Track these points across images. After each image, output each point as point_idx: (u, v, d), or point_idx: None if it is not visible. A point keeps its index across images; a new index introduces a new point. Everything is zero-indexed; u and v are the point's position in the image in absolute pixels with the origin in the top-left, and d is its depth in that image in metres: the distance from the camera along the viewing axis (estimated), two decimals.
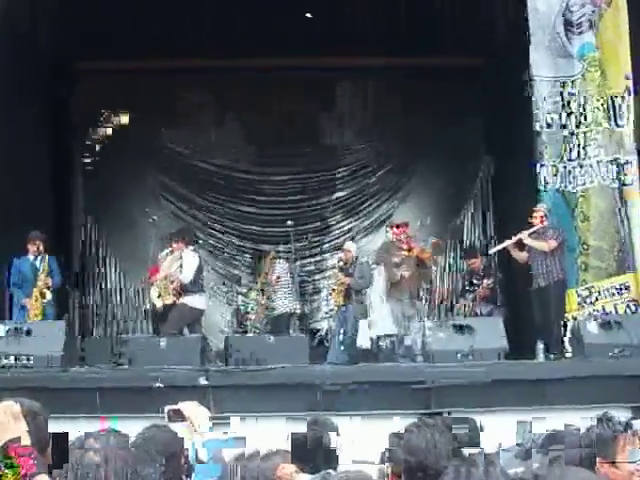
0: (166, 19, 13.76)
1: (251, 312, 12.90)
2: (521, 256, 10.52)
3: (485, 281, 11.42)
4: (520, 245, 10.42)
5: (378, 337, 11.89)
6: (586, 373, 8.58)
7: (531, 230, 10.21)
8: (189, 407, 2.85)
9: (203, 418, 2.81)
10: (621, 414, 7.66)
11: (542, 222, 10.21)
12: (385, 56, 14.50)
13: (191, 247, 10.77)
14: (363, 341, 11.60)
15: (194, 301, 10.41)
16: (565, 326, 9.98)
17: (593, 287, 10.32)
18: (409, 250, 10.95)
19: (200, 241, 14.09)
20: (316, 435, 3.62)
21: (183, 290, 10.27)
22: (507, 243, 10.58)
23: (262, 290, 12.53)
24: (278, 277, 12.18)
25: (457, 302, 12.24)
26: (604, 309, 10.16)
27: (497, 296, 11.69)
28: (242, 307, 13.86)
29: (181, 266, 10.34)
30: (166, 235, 11.18)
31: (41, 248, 10.32)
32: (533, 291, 10.37)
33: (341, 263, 11.51)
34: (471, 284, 11.69)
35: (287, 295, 12.10)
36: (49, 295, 10.25)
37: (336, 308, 11.39)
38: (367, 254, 12.68)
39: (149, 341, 9.74)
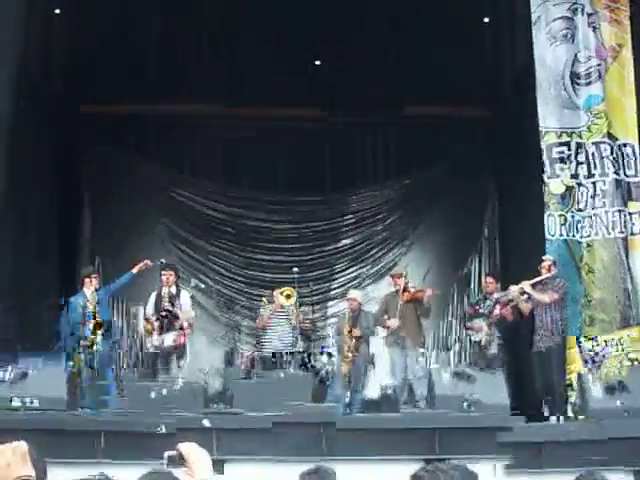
0: (177, 65, 13.93)
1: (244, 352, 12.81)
2: (525, 307, 10.49)
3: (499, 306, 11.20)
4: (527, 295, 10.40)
5: (383, 386, 11.83)
6: (588, 436, 8.42)
7: (535, 280, 10.20)
8: (189, 449, 2.77)
9: (204, 462, 2.73)
10: (622, 477, 7.61)
11: (549, 271, 10.19)
12: (395, 108, 14.62)
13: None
14: (372, 391, 11.60)
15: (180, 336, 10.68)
16: (569, 386, 9.88)
17: (596, 341, 10.22)
18: (404, 291, 11.00)
19: (202, 285, 14.10)
20: None
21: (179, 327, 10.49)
22: (511, 289, 10.55)
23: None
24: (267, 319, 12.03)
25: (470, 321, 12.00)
26: (607, 374, 10.00)
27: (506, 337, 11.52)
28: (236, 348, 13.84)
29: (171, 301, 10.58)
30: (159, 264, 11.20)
31: (95, 284, 10.61)
32: (534, 353, 10.31)
33: (349, 312, 11.53)
34: (485, 299, 11.54)
35: (278, 336, 11.92)
36: (105, 325, 10.41)
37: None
38: (373, 301, 12.68)
39: (151, 386, 9.65)
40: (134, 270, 10.99)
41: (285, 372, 10.31)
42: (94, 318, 10.38)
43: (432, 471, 2.84)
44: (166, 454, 2.75)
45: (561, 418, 9.23)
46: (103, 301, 10.70)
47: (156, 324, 10.65)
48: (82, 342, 10.30)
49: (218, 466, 7.84)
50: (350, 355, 11.22)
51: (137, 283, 11.50)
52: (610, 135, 10.62)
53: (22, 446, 2.45)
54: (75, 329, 10.55)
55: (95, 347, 10.29)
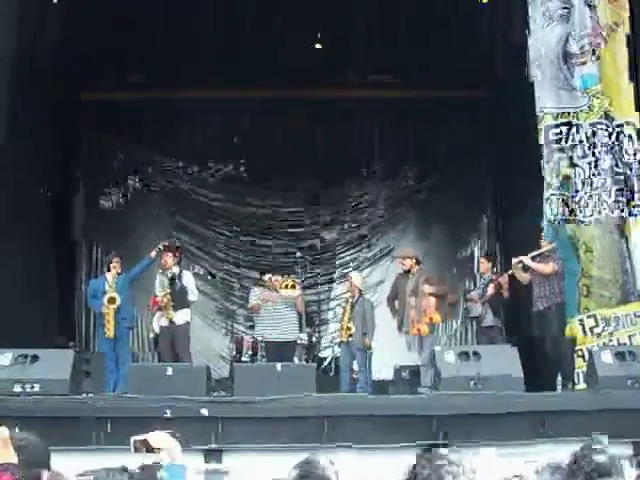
0: (178, 51, 13.93)
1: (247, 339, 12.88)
2: (524, 277, 10.81)
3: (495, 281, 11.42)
4: (524, 267, 10.70)
5: (397, 369, 11.91)
6: (597, 406, 8.48)
7: (535, 253, 10.50)
8: (157, 438, 2.79)
9: (173, 450, 2.75)
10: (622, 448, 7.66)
11: (549, 243, 10.46)
12: (392, 88, 14.62)
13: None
14: (380, 374, 11.72)
15: (188, 315, 10.82)
16: (580, 357, 9.96)
17: (597, 315, 10.30)
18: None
19: (201, 272, 14.18)
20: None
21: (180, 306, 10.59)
22: (514, 261, 10.80)
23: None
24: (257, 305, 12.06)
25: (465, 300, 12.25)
26: (619, 342, 10.07)
27: (500, 312, 11.65)
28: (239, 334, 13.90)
29: (172, 282, 10.71)
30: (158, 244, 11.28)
31: (118, 269, 10.94)
32: (534, 316, 10.53)
33: (348, 294, 11.65)
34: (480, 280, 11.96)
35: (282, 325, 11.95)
36: (118, 300, 10.68)
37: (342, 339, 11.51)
38: (371, 286, 12.74)
39: (155, 369, 9.73)
40: (152, 254, 11.09)
41: (289, 363, 10.39)
42: (108, 294, 10.75)
43: (428, 460, 2.88)
44: (133, 439, 2.77)
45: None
46: (123, 287, 10.90)
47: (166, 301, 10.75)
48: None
49: (216, 455, 7.93)
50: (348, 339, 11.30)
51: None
52: (607, 115, 10.60)
53: (2, 432, 2.46)
54: (91, 302, 11.21)
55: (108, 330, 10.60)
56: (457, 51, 13.67)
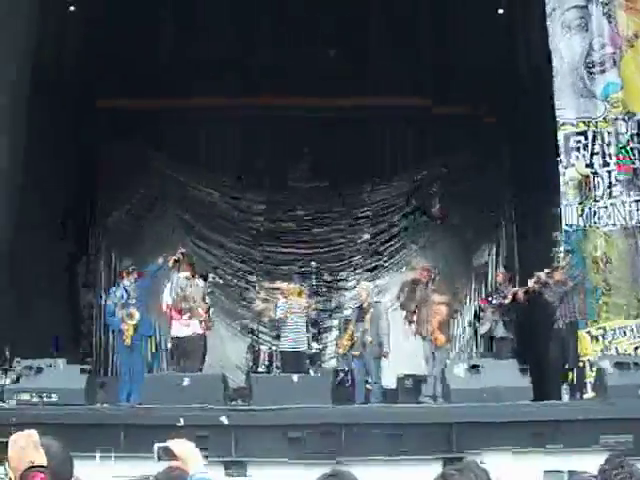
0: (192, 58, 13.96)
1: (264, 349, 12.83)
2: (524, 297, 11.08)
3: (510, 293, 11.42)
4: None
5: (400, 377, 11.88)
6: (606, 415, 8.46)
7: (549, 270, 10.49)
8: (180, 445, 2.76)
9: (195, 457, 2.72)
10: None
11: (564, 258, 10.53)
12: (410, 97, 14.62)
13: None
14: (388, 381, 11.66)
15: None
16: (584, 367, 9.96)
17: (606, 327, 10.26)
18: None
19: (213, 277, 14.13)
20: None
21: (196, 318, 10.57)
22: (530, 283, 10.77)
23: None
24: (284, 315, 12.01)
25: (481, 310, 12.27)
26: (617, 350, 10.08)
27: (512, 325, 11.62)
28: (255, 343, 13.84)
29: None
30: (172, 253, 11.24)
31: (132, 278, 10.92)
32: (552, 333, 10.57)
33: (358, 304, 11.56)
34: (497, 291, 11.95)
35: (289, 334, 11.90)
36: (137, 315, 10.63)
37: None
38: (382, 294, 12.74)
39: (171, 379, 9.69)
40: (169, 263, 11.02)
41: (305, 374, 10.35)
42: (127, 309, 10.68)
43: (461, 469, 2.83)
44: (156, 446, 2.74)
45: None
46: (142, 295, 10.90)
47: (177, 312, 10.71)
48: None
49: (238, 467, 7.89)
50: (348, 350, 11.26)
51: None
52: (627, 124, 10.56)
53: (34, 434, 2.53)
54: (109, 320, 11.18)
55: (126, 338, 10.60)
56: (475, 61, 13.65)
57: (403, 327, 11.42)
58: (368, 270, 15.37)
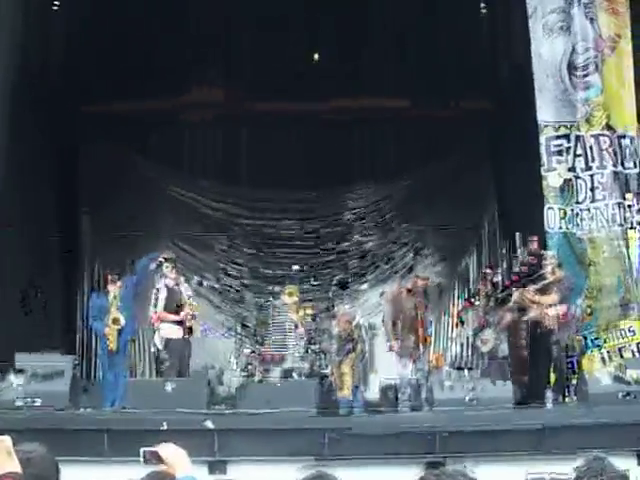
0: (177, 63, 13.95)
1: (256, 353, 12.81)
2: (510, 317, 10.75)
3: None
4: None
5: (384, 387, 11.79)
6: (590, 420, 8.47)
7: (538, 285, 10.07)
8: (168, 449, 2.76)
9: (182, 461, 2.73)
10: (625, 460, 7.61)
11: (554, 273, 10.00)
12: (395, 99, 14.65)
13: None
14: (373, 391, 11.63)
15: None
16: (573, 371, 9.97)
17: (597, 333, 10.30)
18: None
19: (205, 283, 14.11)
20: None
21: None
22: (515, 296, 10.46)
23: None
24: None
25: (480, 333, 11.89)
26: (609, 353, 10.11)
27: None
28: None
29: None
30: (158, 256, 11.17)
31: (118, 284, 10.78)
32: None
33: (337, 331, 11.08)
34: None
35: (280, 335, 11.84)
36: (122, 321, 10.56)
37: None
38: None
39: (155, 384, 9.67)
40: (152, 266, 10.98)
41: (290, 379, 10.30)
42: (111, 314, 10.61)
43: (438, 475, 2.83)
44: (142, 450, 2.74)
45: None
46: (127, 300, 10.82)
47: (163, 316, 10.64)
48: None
49: (220, 466, 7.88)
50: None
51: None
52: (609, 127, 10.61)
53: (6, 440, 2.41)
54: (93, 325, 11.15)
55: (110, 343, 10.53)
56: (458, 63, 13.69)
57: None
58: (357, 275, 15.38)
